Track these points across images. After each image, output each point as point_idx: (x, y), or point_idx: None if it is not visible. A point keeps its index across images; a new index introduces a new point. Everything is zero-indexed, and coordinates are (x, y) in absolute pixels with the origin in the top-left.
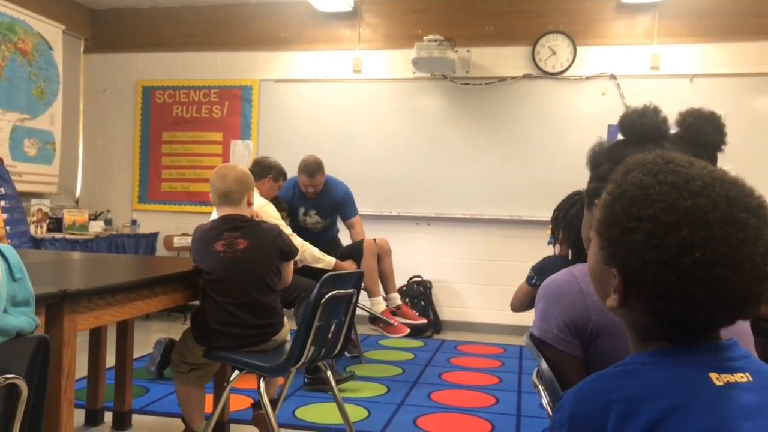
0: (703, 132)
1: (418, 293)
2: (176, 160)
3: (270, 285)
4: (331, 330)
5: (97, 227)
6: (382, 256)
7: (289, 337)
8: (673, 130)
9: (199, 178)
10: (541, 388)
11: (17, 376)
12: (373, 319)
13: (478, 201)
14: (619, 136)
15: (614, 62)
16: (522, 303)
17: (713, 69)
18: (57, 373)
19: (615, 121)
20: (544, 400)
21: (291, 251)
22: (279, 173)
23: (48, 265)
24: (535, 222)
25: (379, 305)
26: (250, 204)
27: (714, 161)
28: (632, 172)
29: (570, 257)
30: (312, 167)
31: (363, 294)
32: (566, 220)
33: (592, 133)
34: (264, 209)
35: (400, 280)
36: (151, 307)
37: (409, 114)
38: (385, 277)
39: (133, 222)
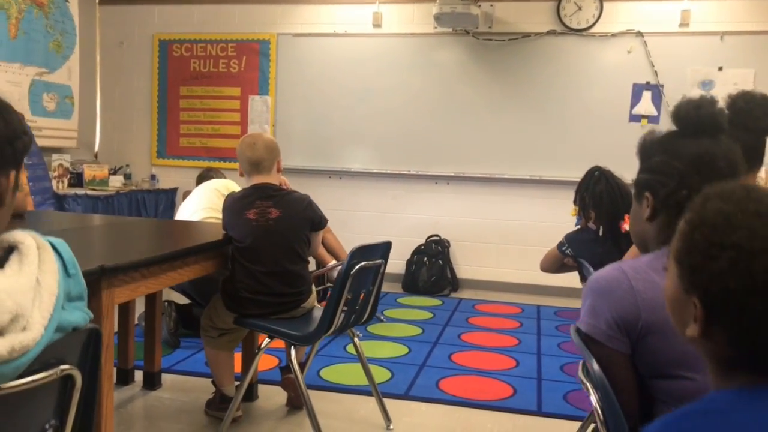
0: (754, 116)
1: (436, 252)
2: (194, 116)
3: (300, 254)
4: (360, 298)
5: (116, 182)
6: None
7: (316, 303)
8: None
9: (218, 134)
10: (589, 386)
11: (73, 367)
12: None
13: (498, 160)
14: (656, 126)
15: (642, 18)
16: (550, 265)
17: (745, 26)
18: None
19: (640, 80)
20: (593, 398)
21: (321, 221)
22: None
23: (77, 233)
24: (555, 182)
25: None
26: (279, 170)
27: (762, 144)
28: (712, 200)
29: (602, 233)
30: None
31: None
32: (595, 198)
33: (616, 92)
34: (235, 185)
35: (417, 239)
36: (183, 276)
37: (429, 70)
38: (332, 248)
39: (153, 177)
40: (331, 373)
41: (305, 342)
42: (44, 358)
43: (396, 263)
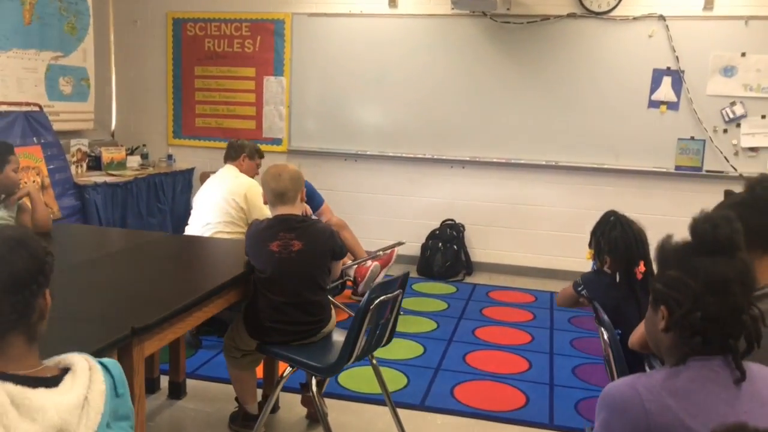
0: None
1: (451, 237)
2: (209, 96)
3: (320, 284)
4: (378, 328)
5: (134, 162)
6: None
7: (335, 323)
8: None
9: (233, 115)
10: None
11: None
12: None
13: (514, 145)
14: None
15: (664, 1)
16: (565, 301)
17: None
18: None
19: (660, 65)
20: None
21: (342, 251)
22: (252, 150)
23: (98, 270)
24: (572, 168)
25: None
26: (302, 200)
27: None
28: None
29: (618, 279)
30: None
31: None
32: (610, 244)
33: (636, 77)
34: (257, 188)
35: (433, 222)
36: (208, 314)
37: (445, 52)
38: (350, 247)
39: (169, 157)
40: (350, 380)
41: (326, 374)
42: None
43: (412, 245)
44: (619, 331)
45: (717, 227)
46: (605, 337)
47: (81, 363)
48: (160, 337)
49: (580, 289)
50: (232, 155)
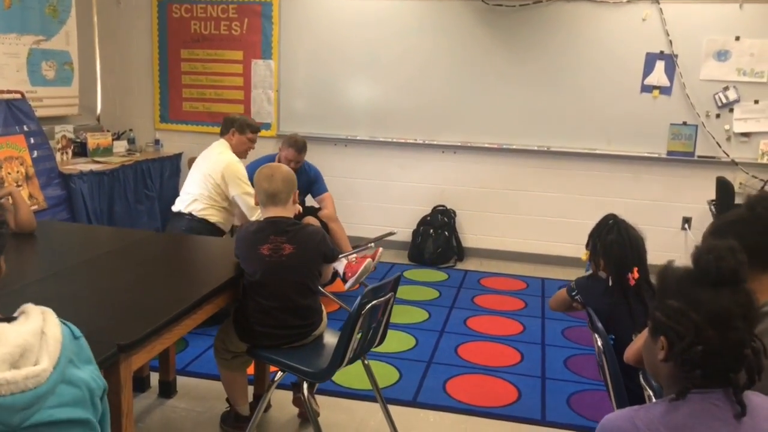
0: None
1: (442, 224)
2: (196, 79)
3: (311, 288)
4: (370, 331)
5: (120, 148)
6: (328, 223)
7: (326, 324)
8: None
9: (221, 99)
10: None
11: None
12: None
13: (506, 130)
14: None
15: None
16: (559, 306)
17: None
18: (117, 415)
19: (654, 49)
20: None
21: (333, 255)
22: (242, 124)
23: (82, 275)
24: (564, 153)
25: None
26: (295, 202)
27: None
28: None
29: (611, 283)
30: (301, 143)
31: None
32: (605, 248)
33: (629, 61)
34: (235, 167)
35: (424, 207)
36: (196, 321)
37: (437, 36)
38: (338, 240)
39: (156, 142)
40: (343, 376)
41: (318, 379)
42: None
43: (403, 231)
44: (613, 337)
45: (721, 259)
46: (599, 343)
47: (33, 306)
48: (148, 350)
49: (574, 294)
50: (223, 130)
